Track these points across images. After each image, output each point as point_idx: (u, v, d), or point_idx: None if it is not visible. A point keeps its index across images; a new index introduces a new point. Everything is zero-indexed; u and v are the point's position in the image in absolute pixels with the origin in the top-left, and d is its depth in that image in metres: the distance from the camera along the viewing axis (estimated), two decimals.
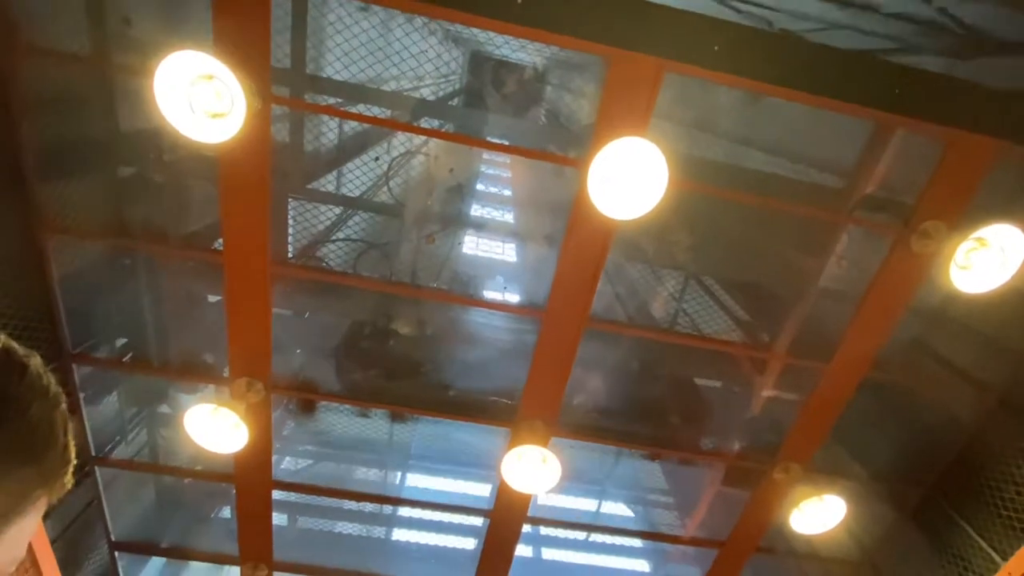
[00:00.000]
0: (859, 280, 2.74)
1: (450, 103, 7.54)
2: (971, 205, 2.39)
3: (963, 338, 3.17)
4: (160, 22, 3.02)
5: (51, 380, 0.67)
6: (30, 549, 2.71)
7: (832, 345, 2.82)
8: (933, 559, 3.13)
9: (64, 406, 0.69)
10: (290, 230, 3.91)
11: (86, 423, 3.15)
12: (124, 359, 3.34)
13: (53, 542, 2.96)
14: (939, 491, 3.22)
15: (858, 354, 2.81)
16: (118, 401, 3.59)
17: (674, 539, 4.36)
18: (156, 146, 3.16)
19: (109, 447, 3.48)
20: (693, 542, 4.07)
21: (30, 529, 0.67)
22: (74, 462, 0.71)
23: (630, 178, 2.09)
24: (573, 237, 2.50)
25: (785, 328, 3.33)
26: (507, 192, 8.85)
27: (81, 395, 3.04)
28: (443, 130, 4.46)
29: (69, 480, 0.71)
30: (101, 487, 3.40)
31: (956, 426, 3.17)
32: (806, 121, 3.76)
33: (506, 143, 4.18)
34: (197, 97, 1.95)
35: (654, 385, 4.05)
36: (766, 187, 3.38)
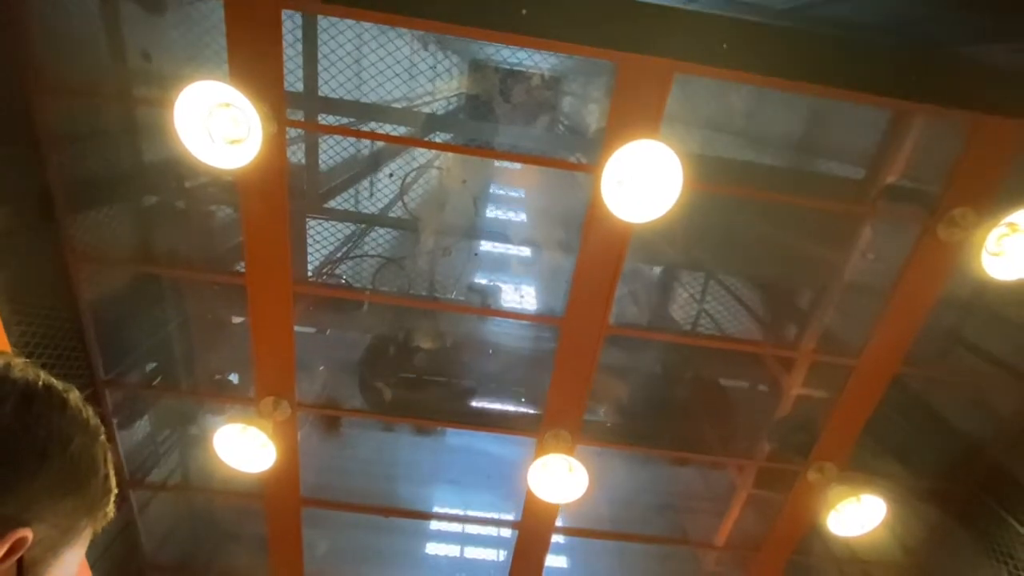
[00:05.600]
0: (886, 273, 2.67)
1: (458, 116, 7.62)
2: (1000, 190, 2.32)
3: (999, 328, 3.07)
4: (177, 55, 3.12)
5: (90, 413, 0.69)
6: None
7: (861, 340, 2.75)
8: (981, 558, 3.01)
9: (103, 437, 0.70)
10: (308, 248, 3.97)
11: (119, 448, 3.21)
12: (154, 383, 3.41)
13: (91, 567, 3.02)
14: (984, 487, 3.10)
15: (889, 348, 2.73)
16: (149, 425, 3.67)
17: (707, 545, 4.26)
18: (178, 174, 3.25)
19: (142, 470, 3.55)
20: (727, 548, 3.98)
21: (77, 559, 0.69)
22: (115, 492, 0.72)
23: (644, 181, 2.08)
24: (589, 242, 2.49)
25: (811, 325, 3.26)
26: (519, 195, 8.85)
27: (114, 420, 3.11)
28: (453, 143, 4.50)
29: (112, 509, 0.72)
30: (136, 511, 3.46)
31: (998, 419, 3.05)
32: (823, 113, 3.71)
33: (517, 152, 4.19)
34: (215, 125, 2.00)
35: (678, 388, 4.00)
36: (784, 182, 3.33)
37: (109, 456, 0.71)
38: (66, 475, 0.64)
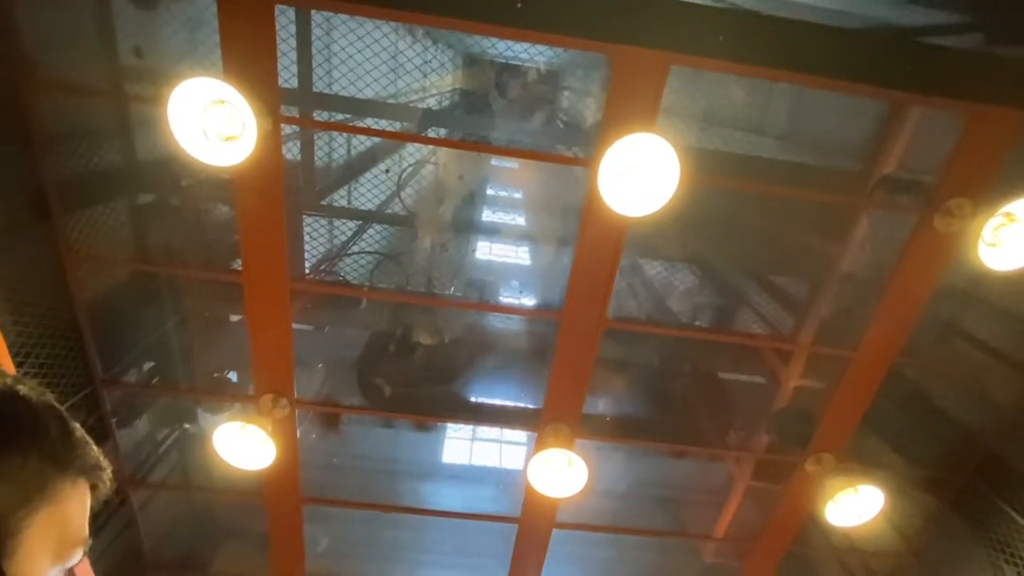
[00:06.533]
0: (884, 264, 2.67)
1: (454, 112, 7.59)
2: (997, 180, 2.32)
3: (996, 318, 3.08)
4: (170, 52, 3.09)
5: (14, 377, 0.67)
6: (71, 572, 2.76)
7: (859, 332, 2.76)
8: (977, 547, 3.03)
9: (48, 397, 0.68)
10: (306, 245, 3.96)
11: (119, 447, 3.21)
12: (152, 382, 3.40)
13: (91, 565, 3.02)
14: (980, 477, 3.12)
15: (886, 340, 2.74)
16: (148, 424, 3.66)
17: (706, 536, 4.29)
18: (173, 172, 3.23)
19: (142, 469, 3.55)
20: (726, 539, 4.00)
21: (70, 515, 0.67)
22: (85, 438, 0.70)
23: (641, 174, 2.08)
24: (586, 236, 2.49)
25: (809, 317, 3.26)
26: (517, 196, 8.82)
27: (113, 419, 3.10)
28: (449, 138, 4.48)
29: (93, 457, 0.70)
30: (136, 509, 3.46)
31: (995, 409, 3.07)
32: (818, 105, 3.70)
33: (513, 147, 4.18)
34: (210, 122, 1.99)
35: (677, 381, 4.01)
36: (781, 175, 3.33)
37: (60, 409, 0.68)
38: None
